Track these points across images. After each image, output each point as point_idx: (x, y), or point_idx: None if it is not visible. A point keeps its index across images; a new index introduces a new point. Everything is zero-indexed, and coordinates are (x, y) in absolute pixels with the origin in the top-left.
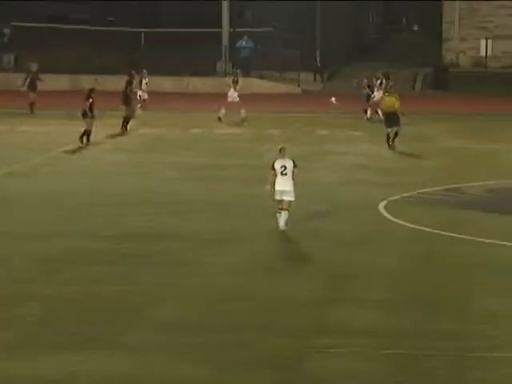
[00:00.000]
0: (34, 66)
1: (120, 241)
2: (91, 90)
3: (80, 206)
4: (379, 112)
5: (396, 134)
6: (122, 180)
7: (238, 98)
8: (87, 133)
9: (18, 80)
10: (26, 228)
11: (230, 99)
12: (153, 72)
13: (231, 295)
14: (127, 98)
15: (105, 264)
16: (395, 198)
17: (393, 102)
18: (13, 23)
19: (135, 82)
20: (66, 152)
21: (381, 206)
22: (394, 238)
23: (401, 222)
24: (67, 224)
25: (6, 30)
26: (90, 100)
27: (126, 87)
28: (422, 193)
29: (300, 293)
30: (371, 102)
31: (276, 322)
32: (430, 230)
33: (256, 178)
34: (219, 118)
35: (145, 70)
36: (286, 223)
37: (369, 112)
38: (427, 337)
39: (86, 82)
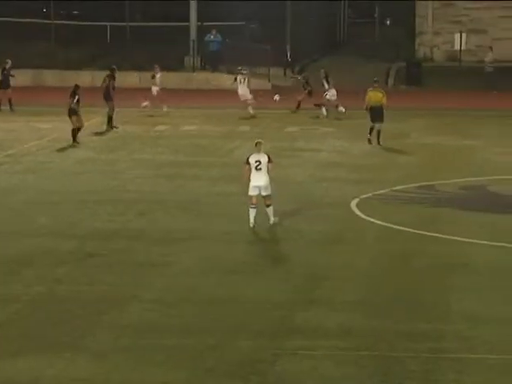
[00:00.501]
0: (8, 63)
1: (84, 240)
2: (76, 87)
3: (42, 205)
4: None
5: (379, 132)
6: (87, 178)
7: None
8: (77, 130)
9: None
10: None
11: (242, 98)
12: (118, 68)
13: (199, 297)
14: (109, 93)
15: (68, 264)
16: (368, 195)
17: (379, 97)
18: None
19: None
20: (28, 149)
21: (353, 203)
22: (366, 237)
23: (373, 220)
24: (28, 223)
25: None
26: (76, 97)
27: (109, 82)
28: (395, 190)
29: (271, 294)
30: (324, 98)
31: (246, 323)
32: (403, 228)
33: (225, 176)
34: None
35: (156, 65)
36: (275, 218)
37: (324, 109)
38: (402, 338)
39: (51, 77)
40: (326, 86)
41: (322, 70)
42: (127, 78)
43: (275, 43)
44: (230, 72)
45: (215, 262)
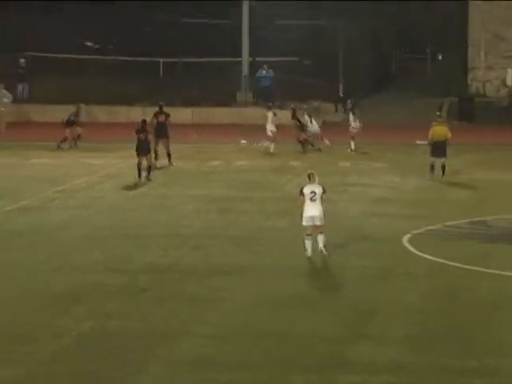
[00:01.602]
0: (81, 107)
1: (136, 275)
2: (144, 123)
3: (94, 240)
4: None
5: (444, 167)
6: (140, 213)
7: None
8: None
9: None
10: (38, 262)
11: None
12: (171, 103)
13: (251, 331)
14: (161, 129)
15: (120, 299)
16: (420, 231)
17: (444, 131)
18: (27, 53)
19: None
20: (79, 185)
21: (405, 239)
22: (418, 273)
23: (425, 255)
24: (80, 258)
25: (22, 60)
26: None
27: (165, 119)
28: (447, 226)
29: (322, 328)
30: (352, 132)
31: (298, 358)
32: (454, 263)
33: (277, 211)
34: (319, 149)
35: (269, 104)
36: (325, 245)
37: (353, 143)
38: (454, 374)
39: (101, 112)
40: (352, 117)
41: (349, 101)
42: (180, 114)
43: (327, 79)
44: (281, 107)
45: (267, 296)
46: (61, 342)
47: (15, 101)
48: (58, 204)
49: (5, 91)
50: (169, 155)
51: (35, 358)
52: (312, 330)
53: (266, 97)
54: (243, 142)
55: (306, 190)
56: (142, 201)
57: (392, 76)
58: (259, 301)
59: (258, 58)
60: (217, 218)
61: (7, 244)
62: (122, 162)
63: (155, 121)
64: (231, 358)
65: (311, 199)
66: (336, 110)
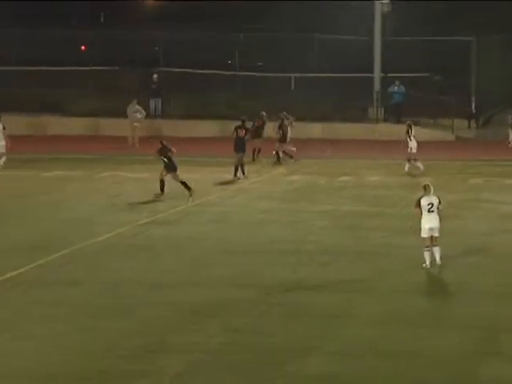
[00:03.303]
0: (264, 115)
1: (266, 291)
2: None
3: (224, 255)
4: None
5: None
6: (270, 229)
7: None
8: None
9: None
10: (168, 277)
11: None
12: (301, 118)
13: (379, 349)
14: (238, 144)
15: (250, 314)
16: None
17: None
18: (160, 69)
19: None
20: (212, 200)
21: None
22: None
23: None
24: (210, 273)
25: (154, 76)
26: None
27: (245, 134)
28: None
29: (451, 346)
30: (409, 151)
31: (427, 377)
32: None
33: (406, 228)
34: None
35: (409, 122)
36: (440, 257)
37: (407, 165)
38: None
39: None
40: (409, 138)
41: (408, 123)
42: (309, 129)
43: (459, 94)
44: (413, 124)
45: (396, 313)
46: (191, 357)
47: (148, 116)
48: (191, 218)
49: (138, 107)
50: (242, 169)
51: (166, 372)
52: (441, 349)
53: (396, 113)
54: (326, 151)
55: (424, 202)
56: (272, 216)
57: None
58: (388, 318)
59: (389, 74)
60: (346, 233)
61: (137, 256)
62: (254, 176)
63: (235, 135)
64: (359, 376)
65: (429, 210)
66: (469, 126)
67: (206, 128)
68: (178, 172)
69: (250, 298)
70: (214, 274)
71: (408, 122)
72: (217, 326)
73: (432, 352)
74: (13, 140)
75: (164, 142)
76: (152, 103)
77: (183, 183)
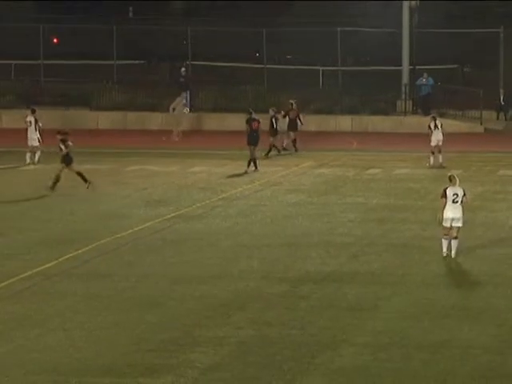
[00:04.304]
0: (294, 103)
1: (295, 284)
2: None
3: (253, 249)
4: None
5: None
6: (299, 221)
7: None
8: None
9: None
10: (196, 270)
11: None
12: (331, 111)
13: (409, 341)
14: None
15: (279, 307)
16: None
17: None
18: (188, 62)
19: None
20: (240, 193)
21: None
22: None
23: None
24: (239, 267)
25: (182, 69)
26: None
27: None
28: None
29: (481, 338)
30: (432, 144)
31: (455, 368)
32: None
33: (435, 221)
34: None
35: (433, 114)
36: (457, 251)
37: (432, 159)
38: None
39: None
40: (433, 129)
41: (432, 115)
42: (339, 122)
43: (488, 86)
44: (442, 116)
45: (425, 305)
46: (220, 350)
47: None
48: (219, 212)
49: (184, 100)
50: (255, 163)
51: (194, 366)
52: (471, 341)
53: (425, 105)
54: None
55: (449, 192)
56: (300, 209)
57: None
58: (417, 310)
59: (418, 67)
60: (375, 226)
61: (164, 250)
62: (283, 170)
63: (249, 128)
64: (389, 368)
65: (453, 201)
66: (497, 118)
67: (234, 121)
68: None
69: (279, 291)
70: (242, 268)
71: (432, 115)
72: (245, 319)
73: (461, 344)
74: (44, 134)
75: (63, 131)
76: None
77: (79, 174)
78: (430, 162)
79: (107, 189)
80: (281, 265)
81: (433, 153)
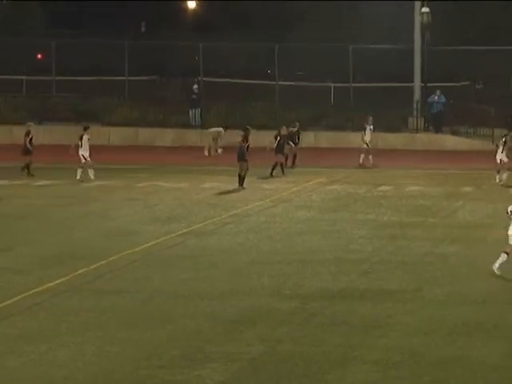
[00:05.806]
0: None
1: (306, 300)
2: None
3: (263, 265)
4: None
5: None
6: (309, 238)
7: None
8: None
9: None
10: (206, 286)
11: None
12: (340, 128)
13: (421, 358)
14: (242, 153)
15: (290, 324)
16: None
17: None
18: (200, 78)
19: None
20: (251, 210)
21: None
22: None
23: None
24: (249, 283)
25: (195, 86)
26: (30, 136)
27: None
28: None
29: (492, 356)
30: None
31: None
32: None
33: (447, 237)
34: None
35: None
36: (499, 264)
37: (498, 176)
38: None
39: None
40: (501, 147)
41: (505, 134)
42: (352, 139)
43: (500, 104)
44: (454, 133)
45: (437, 322)
46: (230, 366)
47: (187, 126)
48: (230, 228)
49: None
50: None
51: (205, 382)
52: (484, 358)
53: (436, 122)
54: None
55: (509, 209)
56: (311, 225)
57: None
58: (428, 327)
59: (429, 84)
60: (386, 243)
61: (176, 266)
62: (293, 186)
63: (244, 143)
64: None
65: (509, 218)
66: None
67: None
68: None
69: (290, 307)
70: (253, 284)
71: (506, 133)
72: (256, 335)
73: (473, 361)
74: (52, 150)
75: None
76: (191, 113)
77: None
78: (496, 179)
79: (119, 205)
80: (292, 281)
81: (498, 171)
